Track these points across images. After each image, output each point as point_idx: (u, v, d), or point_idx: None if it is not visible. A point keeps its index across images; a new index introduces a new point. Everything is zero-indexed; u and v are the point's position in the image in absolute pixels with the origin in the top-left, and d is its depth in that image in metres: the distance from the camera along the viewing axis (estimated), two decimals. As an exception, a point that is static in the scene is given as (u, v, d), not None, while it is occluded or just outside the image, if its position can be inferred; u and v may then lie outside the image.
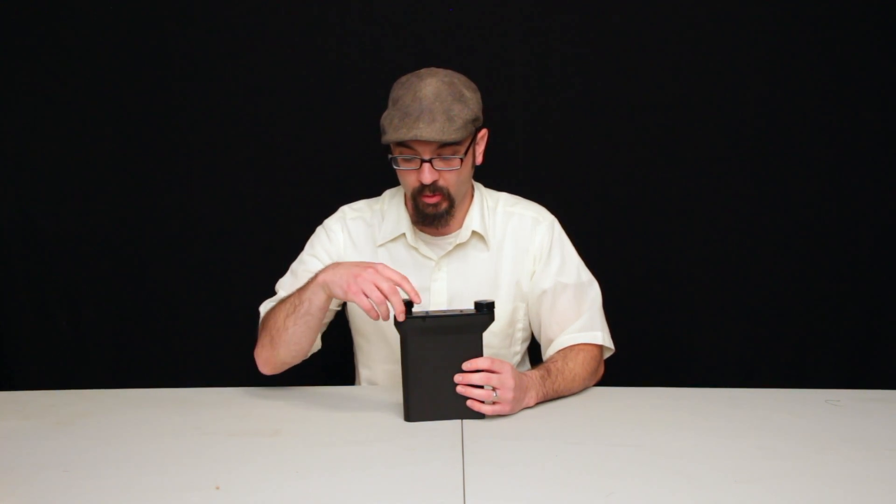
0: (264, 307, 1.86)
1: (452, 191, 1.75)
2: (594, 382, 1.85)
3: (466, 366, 1.60)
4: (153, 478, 1.36)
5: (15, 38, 2.22)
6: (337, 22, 2.21)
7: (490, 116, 2.19)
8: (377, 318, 1.58)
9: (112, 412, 1.71)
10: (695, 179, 2.22)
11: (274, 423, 1.62)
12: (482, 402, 1.60)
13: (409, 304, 1.61)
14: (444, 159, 1.72)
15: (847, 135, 2.19)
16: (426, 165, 1.70)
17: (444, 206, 1.76)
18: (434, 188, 1.73)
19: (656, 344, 2.25)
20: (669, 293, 2.25)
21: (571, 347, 1.82)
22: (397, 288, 1.58)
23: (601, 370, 1.87)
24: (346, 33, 2.21)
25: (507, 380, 1.60)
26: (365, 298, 1.57)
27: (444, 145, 1.69)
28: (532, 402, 1.68)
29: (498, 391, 1.60)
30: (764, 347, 2.26)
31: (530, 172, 2.23)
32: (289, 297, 1.73)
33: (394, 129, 1.68)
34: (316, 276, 1.66)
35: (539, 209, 1.91)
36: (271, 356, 1.76)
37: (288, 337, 1.72)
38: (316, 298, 1.66)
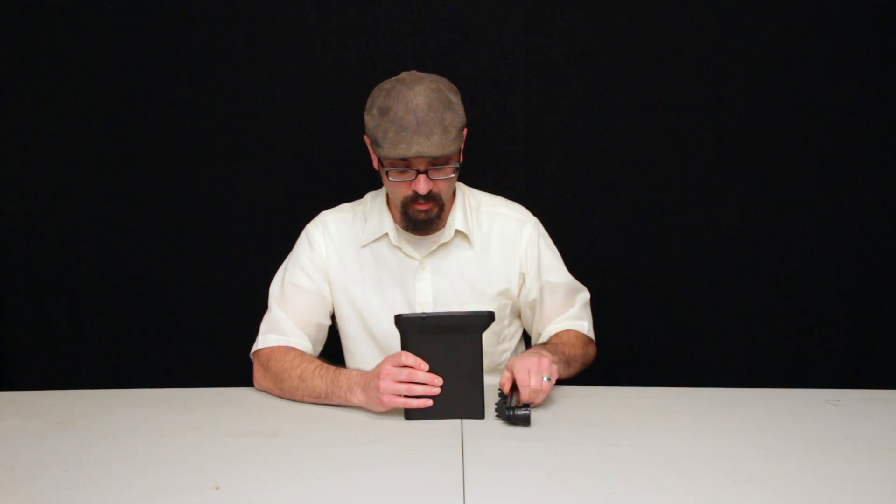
0: (264, 338, 1.83)
1: (444, 196, 1.77)
2: (591, 357, 1.89)
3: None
4: (153, 478, 1.36)
5: (15, 38, 2.22)
6: (336, 22, 2.21)
7: (490, 116, 2.20)
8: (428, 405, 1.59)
9: (112, 412, 1.70)
10: (695, 179, 2.22)
11: (274, 423, 1.62)
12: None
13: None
14: (438, 168, 1.72)
15: (847, 135, 2.19)
16: (422, 176, 1.71)
17: (436, 211, 1.77)
18: (428, 196, 1.74)
19: (656, 344, 2.25)
20: (670, 293, 2.25)
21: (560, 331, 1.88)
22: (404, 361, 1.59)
23: (592, 349, 1.90)
24: (345, 34, 2.21)
25: (536, 373, 1.61)
26: (405, 399, 1.58)
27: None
28: (548, 361, 1.64)
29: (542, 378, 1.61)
30: (764, 347, 2.26)
31: (530, 172, 2.22)
32: (308, 377, 1.71)
33: (391, 144, 1.67)
34: (349, 394, 1.65)
35: (523, 210, 1.93)
36: (275, 393, 1.79)
37: (299, 400, 1.74)
38: (345, 403, 1.67)
